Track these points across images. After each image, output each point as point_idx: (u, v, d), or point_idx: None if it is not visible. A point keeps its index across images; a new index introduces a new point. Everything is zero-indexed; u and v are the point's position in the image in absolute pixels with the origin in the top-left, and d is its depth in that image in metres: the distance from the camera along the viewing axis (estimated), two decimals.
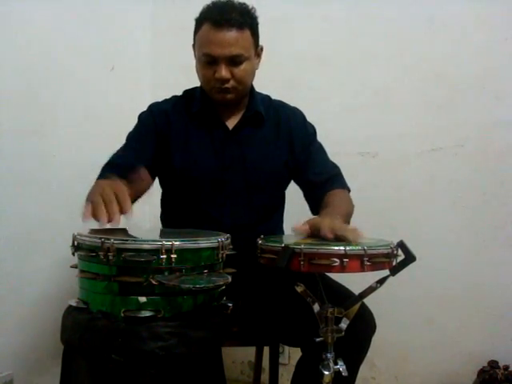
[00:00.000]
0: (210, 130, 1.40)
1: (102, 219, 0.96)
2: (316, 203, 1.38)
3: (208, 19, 1.28)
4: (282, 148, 1.42)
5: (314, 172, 1.41)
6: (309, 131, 1.47)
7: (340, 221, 1.12)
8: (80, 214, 1.00)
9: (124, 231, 1.10)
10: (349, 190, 1.42)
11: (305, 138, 1.44)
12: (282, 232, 1.51)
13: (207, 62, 1.29)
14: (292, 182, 1.49)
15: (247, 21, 1.29)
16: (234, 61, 1.28)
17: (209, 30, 1.27)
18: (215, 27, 1.26)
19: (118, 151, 1.39)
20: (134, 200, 1.34)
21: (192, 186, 1.38)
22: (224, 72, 1.28)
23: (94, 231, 1.02)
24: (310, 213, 1.45)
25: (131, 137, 1.42)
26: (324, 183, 1.39)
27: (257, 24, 1.35)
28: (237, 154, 1.38)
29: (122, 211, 0.98)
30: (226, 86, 1.30)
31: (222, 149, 1.38)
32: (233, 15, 1.27)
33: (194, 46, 1.39)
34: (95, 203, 0.99)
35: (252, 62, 1.34)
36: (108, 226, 0.97)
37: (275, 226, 1.48)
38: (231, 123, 1.40)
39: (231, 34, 1.26)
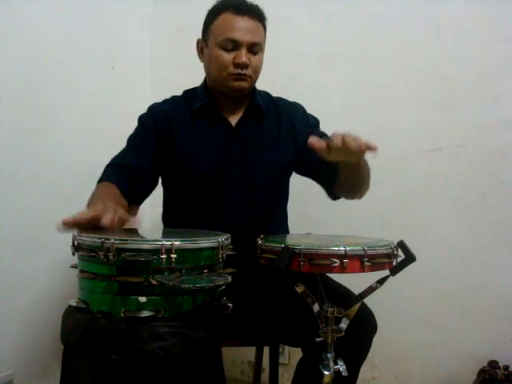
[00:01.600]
0: (213, 126, 1.40)
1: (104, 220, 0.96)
2: (331, 182, 1.38)
3: (228, 7, 1.32)
4: (284, 143, 1.42)
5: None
6: (311, 122, 1.47)
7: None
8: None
9: (124, 231, 1.10)
10: None
11: (307, 129, 1.43)
12: (286, 231, 1.50)
13: (227, 47, 1.31)
14: (292, 179, 1.49)
15: (262, 17, 1.36)
16: (253, 49, 1.32)
17: (232, 17, 1.31)
18: (239, 14, 1.31)
19: (119, 153, 1.39)
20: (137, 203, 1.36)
21: (194, 183, 1.38)
22: (245, 57, 1.31)
23: (96, 231, 1.01)
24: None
25: (132, 138, 1.42)
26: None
27: (266, 24, 1.38)
28: (239, 151, 1.39)
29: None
30: (245, 72, 1.32)
31: (224, 145, 1.39)
32: (252, 7, 1.34)
33: (201, 40, 1.40)
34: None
35: (263, 56, 1.38)
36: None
37: (278, 225, 1.48)
38: (234, 119, 1.41)
39: (253, 22, 1.32)
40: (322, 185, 1.45)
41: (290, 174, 1.48)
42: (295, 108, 1.48)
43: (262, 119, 1.42)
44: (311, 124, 1.47)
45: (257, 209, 1.40)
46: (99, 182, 1.32)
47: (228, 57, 1.31)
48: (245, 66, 1.31)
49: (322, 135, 1.15)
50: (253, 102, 1.42)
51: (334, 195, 1.44)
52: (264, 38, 1.37)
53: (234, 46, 1.31)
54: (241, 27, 1.30)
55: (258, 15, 1.34)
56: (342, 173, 1.32)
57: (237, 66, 1.31)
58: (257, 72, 1.36)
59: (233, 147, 1.39)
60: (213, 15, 1.35)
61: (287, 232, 1.50)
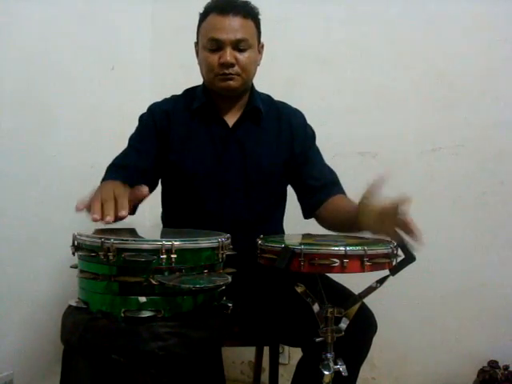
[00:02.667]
0: (210, 126, 1.40)
1: (94, 215, 0.95)
2: (311, 207, 1.39)
3: (213, 9, 1.32)
4: (282, 147, 1.42)
5: (311, 176, 1.42)
6: (309, 134, 1.47)
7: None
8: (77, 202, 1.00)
9: (125, 231, 1.10)
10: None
11: (305, 141, 1.44)
12: (282, 231, 1.50)
13: (212, 48, 1.31)
14: None
15: (251, 12, 1.34)
16: (239, 46, 1.31)
17: (215, 18, 1.31)
18: (221, 14, 1.30)
19: (121, 153, 1.39)
20: (137, 203, 1.34)
21: (191, 183, 1.38)
22: (229, 56, 1.30)
23: (97, 231, 1.02)
24: None
25: (133, 139, 1.42)
26: (321, 188, 1.39)
27: (259, 19, 1.37)
28: (236, 152, 1.38)
29: (117, 213, 0.97)
30: (231, 71, 1.31)
31: (221, 146, 1.38)
32: (237, 5, 1.32)
33: (196, 43, 1.40)
34: (93, 199, 0.99)
35: (255, 53, 1.37)
36: (101, 224, 0.96)
37: (276, 224, 1.48)
38: (231, 120, 1.40)
39: (237, 20, 1.31)
40: (300, 204, 1.45)
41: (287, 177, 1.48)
42: (297, 116, 1.48)
43: (261, 121, 1.42)
44: (308, 136, 1.47)
45: (254, 210, 1.40)
46: (102, 181, 1.32)
47: (213, 57, 1.31)
48: (230, 65, 1.30)
49: None
50: (251, 103, 1.41)
51: (308, 217, 1.44)
52: (254, 34, 1.35)
53: (218, 45, 1.30)
54: (223, 26, 1.29)
55: (243, 11, 1.31)
56: (339, 220, 1.28)
57: (222, 65, 1.31)
58: (246, 69, 1.34)
59: (229, 148, 1.38)
60: (201, 18, 1.36)
61: (282, 232, 1.50)
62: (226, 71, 1.31)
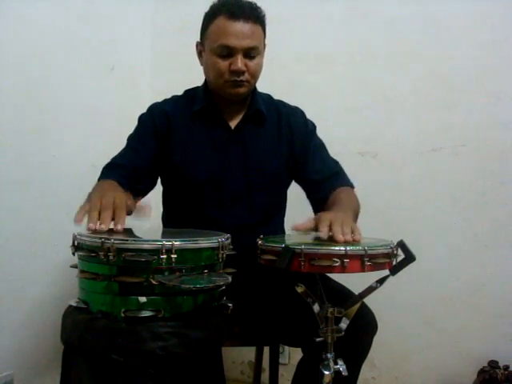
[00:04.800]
0: (212, 128, 1.39)
1: (90, 225, 0.98)
2: (319, 202, 1.38)
3: (223, 12, 1.28)
4: (283, 148, 1.42)
5: (314, 170, 1.41)
6: (309, 130, 1.46)
7: (348, 216, 1.12)
8: (75, 213, 1.02)
9: (125, 231, 1.10)
10: (352, 187, 1.41)
11: (305, 137, 1.44)
12: (283, 232, 1.50)
13: (223, 54, 1.29)
14: (293, 182, 1.49)
15: (259, 16, 1.32)
16: (250, 53, 1.29)
17: (225, 22, 1.27)
18: (232, 19, 1.27)
19: (119, 153, 1.39)
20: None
21: (192, 186, 1.37)
22: (240, 64, 1.28)
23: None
24: (311, 214, 1.45)
25: (131, 138, 1.42)
26: (325, 181, 1.38)
27: (265, 22, 1.35)
28: (238, 154, 1.38)
29: (114, 224, 1.00)
30: (242, 78, 1.30)
31: (223, 148, 1.38)
32: (248, 8, 1.29)
33: (200, 43, 1.38)
34: (92, 208, 1.01)
35: (262, 57, 1.36)
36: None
37: (276, 226, 1.48)
38: (233, 122, 1.40)
39: (248, 26, 1.27)
40: (309, 201, 1.44)
41: (290, 180, 1.48)
42: (295, 114, 1.46)
43: (263, 123, 1.41)
44: (308, 131, 1.45)
45: (255, 211, 1.40)
46: (99, 180, 1.32)
47: (224, 64, 1.29)
48: (241, 72, 1.29)
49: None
50: (253, 105, 1.40)
51: (317, 213, 1.44)
52: (262, 39, 1.34)
53: (230, 52, 1.28)
54: (235, 33, 1.26)
55: (253, 17, 1.28)
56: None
57: (233, 72, 1.29)
58: (255, 76, 1.34)
59: (231, 150, 1.38)
60: (208, 19, 1.32)
61: (283, 233, 1.50)
62: (237, 78, 1.30)
